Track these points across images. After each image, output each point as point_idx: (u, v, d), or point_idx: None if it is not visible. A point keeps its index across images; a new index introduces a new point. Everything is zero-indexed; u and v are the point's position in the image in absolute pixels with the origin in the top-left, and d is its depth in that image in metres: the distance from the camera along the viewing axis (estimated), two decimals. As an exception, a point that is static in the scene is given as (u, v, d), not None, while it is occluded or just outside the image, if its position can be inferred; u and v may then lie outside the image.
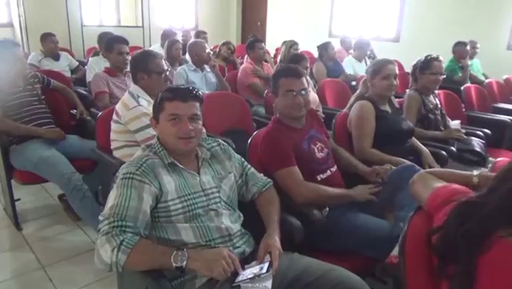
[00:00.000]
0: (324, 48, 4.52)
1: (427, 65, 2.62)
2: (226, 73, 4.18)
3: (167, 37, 4.57)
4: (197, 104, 1.39)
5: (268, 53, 5.17)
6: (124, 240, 1.15)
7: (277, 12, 8.62)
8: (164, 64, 2.19)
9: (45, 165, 2.32)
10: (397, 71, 2.26)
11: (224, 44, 4.79)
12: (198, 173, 1.40)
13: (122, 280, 1.43)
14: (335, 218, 1.64)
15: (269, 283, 1.16)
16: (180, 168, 1.36)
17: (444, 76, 2.72)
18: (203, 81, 3.34)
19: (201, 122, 1.40)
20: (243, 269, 1.22)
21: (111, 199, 1.24)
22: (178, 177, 1.34)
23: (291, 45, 4.07)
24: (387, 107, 2.28)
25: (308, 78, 2.01)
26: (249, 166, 1.57)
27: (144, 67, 2.12)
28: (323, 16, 7.85)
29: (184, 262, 1.13)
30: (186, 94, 1.37)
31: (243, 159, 1.58)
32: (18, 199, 2.62)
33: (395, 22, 6.93)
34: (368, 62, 4.88)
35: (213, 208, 1.36)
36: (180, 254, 1.14)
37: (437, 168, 1.27)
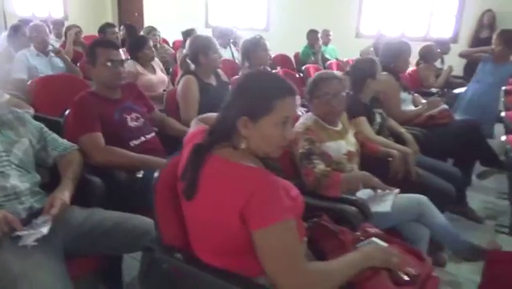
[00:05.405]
0: (188, 35, 4.67)
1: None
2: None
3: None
4: None
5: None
6: None
7: (154, 2, 8.59)
8: None
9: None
10: None
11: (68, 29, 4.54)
12: None
13: None
14: (151, 178, 1.80)
15: (45, 229, 1.25)
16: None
17: None
18: (48, 66, 3.26)
19: None
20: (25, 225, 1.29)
21: None
22: None
23: (149, 31, 4.15)
24: (212, 80, 2.52)
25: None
26: (49, 132, 1.63)
27: None
28: (199, 6, 8.11)
29: None
30: None
31: (43, 125, 1.64)
32: None
33: (264, 12, 7.49)
34: (233, 48, 5.17)
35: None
36: None
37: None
